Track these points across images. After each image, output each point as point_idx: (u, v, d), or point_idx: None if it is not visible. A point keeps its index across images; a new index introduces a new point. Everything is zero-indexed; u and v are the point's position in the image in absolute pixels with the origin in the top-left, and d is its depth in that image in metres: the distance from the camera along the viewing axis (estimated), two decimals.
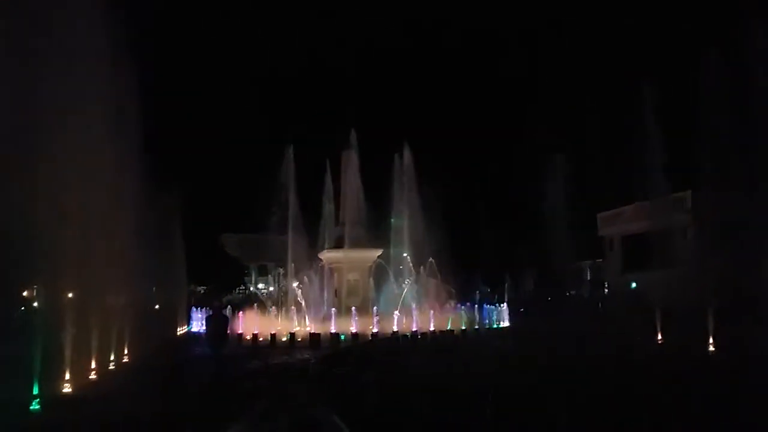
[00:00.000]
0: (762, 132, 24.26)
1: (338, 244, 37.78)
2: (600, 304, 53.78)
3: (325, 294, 37.65)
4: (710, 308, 21.63)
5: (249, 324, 31.30)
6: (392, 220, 38.35)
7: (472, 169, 63.06)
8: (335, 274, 38.57)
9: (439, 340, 29.78)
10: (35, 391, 11.69)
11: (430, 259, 36.63)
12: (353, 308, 31.62)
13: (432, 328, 31.51)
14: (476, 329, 34.47)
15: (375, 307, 32.14)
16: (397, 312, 31.80)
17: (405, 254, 37.75)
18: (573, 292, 65.92)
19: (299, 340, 28.45)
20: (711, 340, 20.94)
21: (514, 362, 19.62)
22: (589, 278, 73.23)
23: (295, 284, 37.51)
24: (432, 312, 33.10)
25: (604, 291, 60.96)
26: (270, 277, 61.20)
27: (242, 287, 70.32)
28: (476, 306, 38.26)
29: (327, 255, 38.69)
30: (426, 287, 36.95)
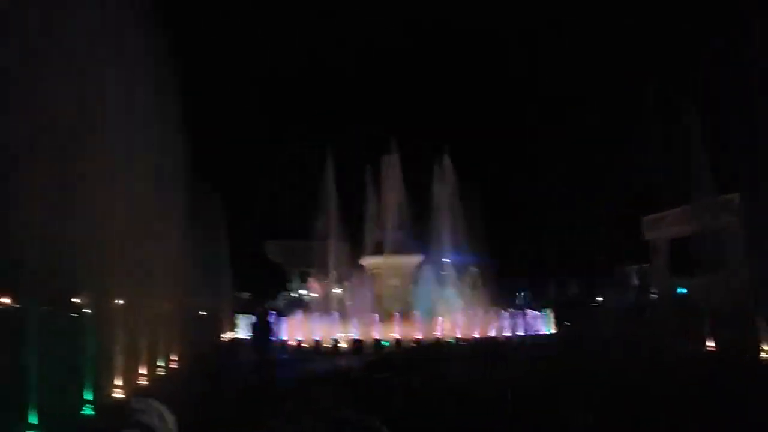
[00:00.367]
0: None
1: (379, 250, 37.88)
2: (647, 310, 52.71)
3: (368, 300, 37.75)
4: (762, 314, 21.00)
5: (292, 330, 31.58)
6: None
7: (511, 171, 62.47)
8: (377, 280, 38.67)
9: (483, 346, 29.54)
10: (88, 396, 11.99)
11: (472, 267, 36.43)
12: (395, 314, 31.61)
13: (475, 335, 31.30)
14: (521, 335, 34.08)
15: (417, 313, 32.09)
16: (440, 318, 31.68)
17: (446, 259, 37.62)
18: (619, 298, 64.76)
19: (342, 346, 28.58)
20: (764, 347, 20.31)
21: (559, 369, 19.34)
22: (635, 283, 71.84)
23: (337, 290, 37.72)
24: (475, 318, 32.86)
25: (651, 296, 59.71)
26: (313, 284, 61.63)
27: (285, 293, 70.97)
28: (520, 312, 37.86)
29: (368, 261, 38.84)
30: (468, 293, 36.73)
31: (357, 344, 27.91)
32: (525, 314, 37.83)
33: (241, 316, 39.30)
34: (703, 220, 31.32)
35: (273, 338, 24.53)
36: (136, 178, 16.90)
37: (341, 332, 31.75)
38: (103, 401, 12.93)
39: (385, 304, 36.85)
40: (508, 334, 33.39)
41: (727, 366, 18.75)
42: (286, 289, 73.59)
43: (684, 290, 45.97)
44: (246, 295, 61.31)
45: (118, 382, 14.50)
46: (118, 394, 14.32)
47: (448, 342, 29.14)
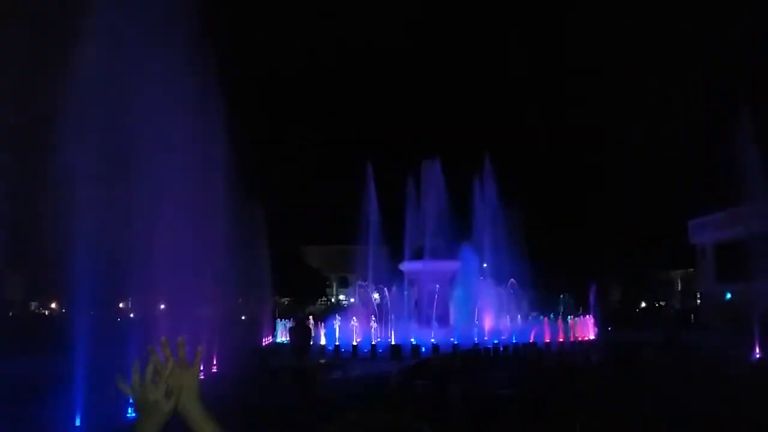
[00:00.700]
0: None
1: (418, 255, 37.91)
2: (692, 316, 51.49)
3: (406, 305, 37.78)
4: None
5: (331, 335, 31.79)
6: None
7: (553, 174, 61.87)
8: (415, 285, 38.66)
9: (521, 352, 29.22)
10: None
11: (511, 280, 36.28)
12: (433, 319, 31.53)
13: (514, 341, 31.03)
14: (560, 342, 33.62)
15: (455, 319, 31.95)
16: (477, 323, 31.51)
17: (485, 264, 37.45)
18: (663, 303, 63.46)
19: (380, 351, 28.63)
20: None
21: (597, 377, 19.02)
22: (680, 289, 70.26)
23: (376, 295, 37.86)
24: (514, 324, 32.58)
25: (696, 302, 58.34)
26: (351, 289, 62.06)
27: (324, 298, 71.52)
28: (560, 318, 37.39)
29: (407, 266, 38.87)
30: (507, 298, 36.48)
31: (395, 349, 27.91)
32: (565, 320, 37.37)
33: (281, 320, 39.79)
34: (750, 224, 30.49)
35: (312, 343, 24.74)
36: (180, 186, 17.23)
37: (379, 337, 31.82)
38: None
39: (424, 309, 36.83)
40: (547, 340, 32.98)
41: None
42: (325, 294, 74.21)
43: (730, 296, 44.81)
44: (286, 300, 62.07)
45: None
46: None
47: (486, 348, 28.92)
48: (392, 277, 38.98)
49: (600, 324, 41.38)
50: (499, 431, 10.42)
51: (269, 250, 41.29)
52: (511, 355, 28.13)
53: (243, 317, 38.67)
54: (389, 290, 37.57)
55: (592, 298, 47.15)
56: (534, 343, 31.77)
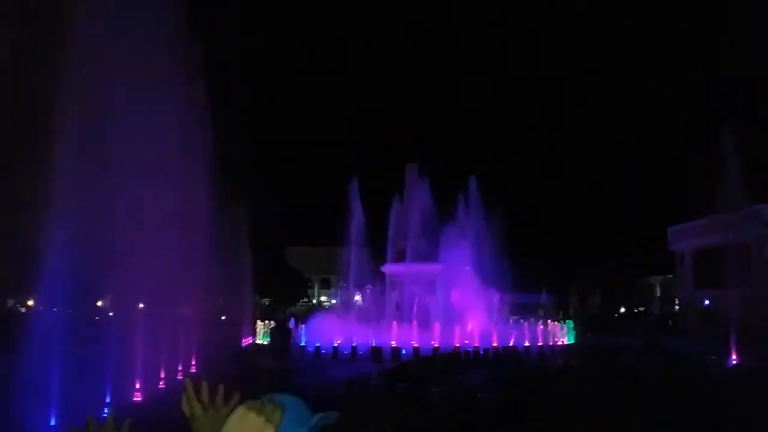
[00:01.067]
0: None
1: (400, 258, 37.94)
2: (670, 321, 52.00)
3: (387, 307, 37.78)
4: None
5: (311, 336, 31.67)
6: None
7: (534, 179, 62.26)
8: (397, 288, 38.68)
9: (501, 356, 29.31)
10: (107, 398, 12.16)
11: (493, 283, 36.46)
12: (414, 322, 31.55)
13: (494, 344, 31.11)
14: (540, 346, 33.74)
15: (436, 321, 31.98)
16: (458, 326, 31.56)
17: (467, 268, 37.53)
18: (642, 309, 64.03)
19: (361, 353, 28.58)
20: None
21: (577, 380, 19.12)
22: (659, 294, 70.97)
23: (357, 297, 37.83)
24: (494, 327, 32.67)
25: (675, 308, 58.96)
26: (333, 290, 61.95)
27: (305, 299, 71.29)
28: (540, 322, 37.56)
29: (389, 268, 38.87)
30: (488, 302, 36.60)
31: (375, 351, 27.86)
32: (546, 324, 37.55)
33: (261, 321, 39.58)
34: (728, 232, 30.91)
35: (292, 344, 24.66)
36: (160, 184, 17.13)
37: (360, 339, 31.76)
38: (122, 403, 13.08)
39: (405, 311, 36.85)
40: (527, 344, 33.11)
41: (748, 380, 18.40)
42: (307, 295, 74.01)
43: (708, 302, 45.36)
44: (266, 300, 61.78)
45: (138, 385, 14.67)
46: (137, 397, 14.48)
47: (466, 351, 28.98)
48: (374, 279, 38.98)
49: (579, 329, 41.64)
50: None
51: (251, 250, 41.08)
52: (491, 359, 28.21)
53: (223, 317, 38.41)
54: (371, 292, 37.58)
55: (572, 303, 47.54)
56: (514, 347, 31.90)
